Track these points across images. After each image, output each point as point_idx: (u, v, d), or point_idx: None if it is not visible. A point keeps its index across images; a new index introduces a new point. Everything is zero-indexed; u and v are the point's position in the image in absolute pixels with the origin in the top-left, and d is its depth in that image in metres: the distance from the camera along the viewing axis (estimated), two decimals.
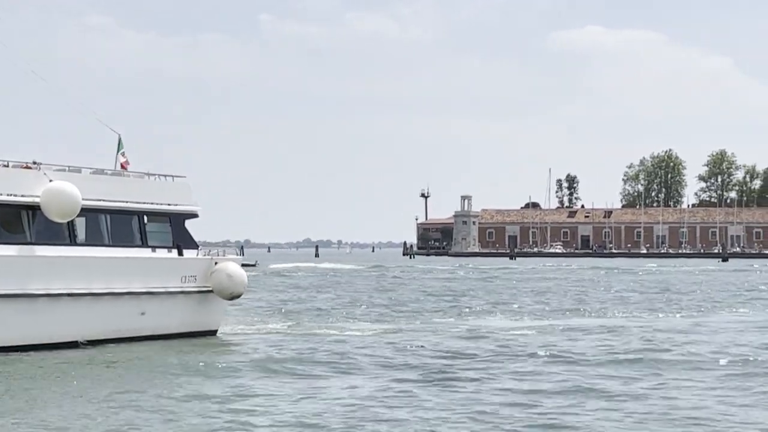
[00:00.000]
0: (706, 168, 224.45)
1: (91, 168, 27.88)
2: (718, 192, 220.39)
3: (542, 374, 22.03)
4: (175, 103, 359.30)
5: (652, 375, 21.96)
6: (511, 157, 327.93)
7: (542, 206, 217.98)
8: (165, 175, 29.44)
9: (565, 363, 23.92)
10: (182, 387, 20.08)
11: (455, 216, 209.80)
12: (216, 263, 29.08)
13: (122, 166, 28.96)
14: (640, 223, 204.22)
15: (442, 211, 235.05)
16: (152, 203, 28.49)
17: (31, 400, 18.38)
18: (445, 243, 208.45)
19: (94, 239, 27.17)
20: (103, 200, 27.25)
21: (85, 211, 26.35)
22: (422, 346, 27.08)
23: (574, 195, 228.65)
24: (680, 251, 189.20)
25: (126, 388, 19.69)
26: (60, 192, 25.74)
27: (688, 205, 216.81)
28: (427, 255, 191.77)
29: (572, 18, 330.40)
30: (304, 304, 45.73)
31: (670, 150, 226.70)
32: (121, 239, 27.69)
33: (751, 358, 24.67)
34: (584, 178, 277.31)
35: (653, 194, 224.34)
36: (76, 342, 25.76)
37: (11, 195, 25.24)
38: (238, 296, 29.65)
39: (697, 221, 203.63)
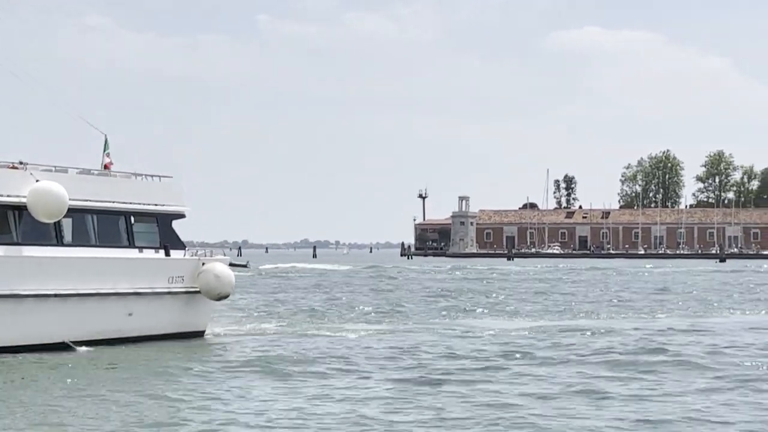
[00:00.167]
0: (703, 169, 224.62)
1: (77, 168, 27.77)
2: (716, 193, 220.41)
3: (535, 375, 21.95)
4: (174, 104, 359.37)
5: (644, 377, 21.85)
6: (509, 157, 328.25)
7: (540, 207, 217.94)
8: (152, 176, 29.33)
9: (560, 364, 23.84)
10: (167, 388, 19.96)
11: (453, 217, 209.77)
12: (203, 264, 28.98)
13: (106, 167, 28.81)
14: (638, 223, 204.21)
15: (439, 212, 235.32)
16: (139, 203, 28.37)
17: (18, 403, 18.22)
18: (442, 244, 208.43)
19: (80, 240, 27.06)
20: (90, 200, 27.13)
21: (71, 212, 26.22)
22: (415, 347, 27.03)
23: (572, 196, 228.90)
24: (678, 252, 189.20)
25: (111, 390, 19.57)
26: (47, 192, 25.62)
27: (686, 206, 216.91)
28: (425, 256, 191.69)
29: (571, 18, 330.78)
30: (294, 304, 45.49)
31: (667, 151, 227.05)
32: (108, 240, 27.57)
33: (743, 362, 24.57)
34: (582, 179, 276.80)
35: (651, 195, 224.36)
36: (64, 343, 25.63)
37: None
38: (226, 297, 29.54)
39: (695, 222, 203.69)
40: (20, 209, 25.43)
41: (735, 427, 16.38)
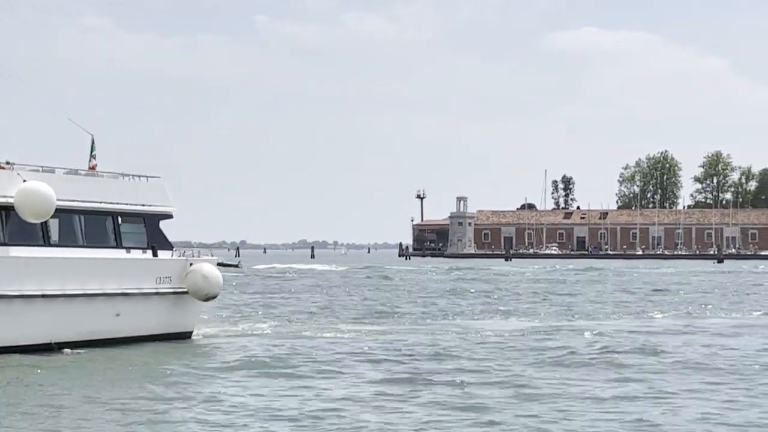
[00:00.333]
0: (701, 169, 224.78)
1: (65, 168, 27.69)
2: (714, 193, 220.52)
3: (530, 376, 21.94)
4: (173, 104, 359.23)
5: (637, 377, 21.85)
6: (508, 158, 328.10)
7: (538, 207, 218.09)
8: (139, 176, 29.25)
9: (555, 365, 23.81)
10: (153, 390, 19.92)
11: (451, 217, 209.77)
12: (191, 264, 28.90)
13: (91, 168, 28.73)
14: (636, 224, 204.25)
15: (437, 213, 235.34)
16: (126, 204, 28.27)
17: (5, 405, 18.15)
18: (440, 244, 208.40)
19: (67, 240, 26.96)
20: (77, 201, 27.03)
21: (58, 212, 26.09)
22: (407, 348, 26.97)
23: (570, 196, 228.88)
24: (676, 252, 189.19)
25: (96, 392, 19.52)
26: (34, 192, 25.52)
27: (684, 207, 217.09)
28: (423, 256, 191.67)
29: (571, 18, 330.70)
30: (284, 305, 45.37)
31: (665, 151, 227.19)
32: (95, 240, 27.47)
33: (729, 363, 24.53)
34: (580, 180, 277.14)
35: (649, 195, 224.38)
36: (51, 344, 25.55)
37: None
38: (214, 297, 29.44)
39: (693, 222, 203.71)
40: (7, 209, 25.32)
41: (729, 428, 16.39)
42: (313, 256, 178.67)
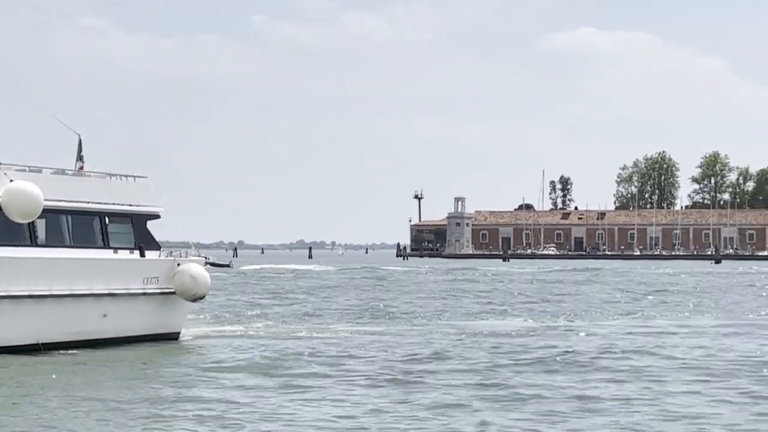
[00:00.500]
0: (699, 170, 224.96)
1: (52, 168, 27.58)
2: (712, 194, 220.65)
3: (524, 377, 21.90)
4: (171, 104, 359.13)
5: (627, 379, 21.79)
6: (506, 158, 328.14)
7: (536, 208, 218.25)
8: (126, 176, 29.15)
9: (547, 366, 23.75)
10: (136, 391, 19.81)
11: (449, 217, 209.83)
12: (178, 264, 28.80)
13: (79, 169, 28.63)
14: (634, 224, 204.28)
15: (435, 213, 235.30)
16: (114, 204, 28.16)
17: None
18: (438, 244, 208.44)
19: (54, 240, 26.84)
20: (64, 201, 26.92)
21: (45, 212, 25.92)
22: (398, 348, 26.90)
23: (568, 197, 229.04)
24: (673, 253, 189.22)
25: (79, 393, 19.43)
26: (21, 192, 25.39)
27: (682, 207, 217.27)
28: (421, 257, 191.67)
29: (569, 19, 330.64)
30: (274, 306, 45.19)
31: (663, 152, 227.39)
32: (82, 240, 27.36)
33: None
34: (578, 180, 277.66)
35: (646, 196, 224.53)
36: (38, 345, 25.44)
37: None
38: (202, 298, 29.33)
39: (691, 223, 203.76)
40: None
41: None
42: (310, 257, 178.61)
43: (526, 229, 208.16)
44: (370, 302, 48.41)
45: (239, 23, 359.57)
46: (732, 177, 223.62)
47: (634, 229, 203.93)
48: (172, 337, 28.89)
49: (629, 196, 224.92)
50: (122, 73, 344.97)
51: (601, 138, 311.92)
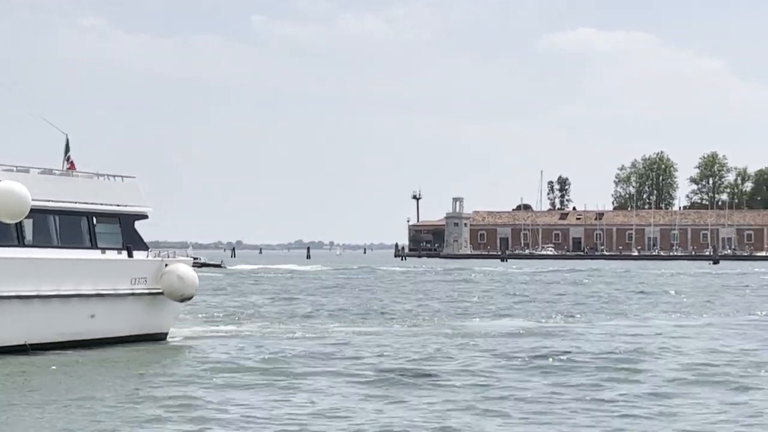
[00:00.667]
0: (697, 170, 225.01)
1: (39, 168, 27.47)
2: (710, 194, 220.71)
3: (516, 378, 21.89)
4: (171, 104, 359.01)
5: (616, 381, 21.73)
6: (503, 158, 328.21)
7: (534, 208, 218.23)
8: (114, 176, 29.07)
9: (539, 367, 23.70)
10: (122, 392, 19.74)
11: (447, 218, 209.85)
12: (166, 265, 28.71)
13: (69, 169, 28.52)
14: (632, 225, 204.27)
15: (434, 213, 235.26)
16: (101, 204, 28.06)
17: None
18: (436, 245, 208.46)
19: (42, 240, 26.74)
20: (52, 201, 26.83)
21: (33, 212, 25.81)
22: (386, 349, 26.81)
23: (566, 197, 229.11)
24: (671, 253, 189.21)
25: (70, 395, 19.36)
26: (9, 192, 25.27)
27: (680, 207, 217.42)
28: (419, 257, 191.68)
29: (569, 19, 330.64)
30: (265, 307, 44.95)
31: (661, 152, 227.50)
32: (69, 240, 27.27)
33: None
34: (576, 180, 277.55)
35: (645, 196, 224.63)
36: (24, 346, 25.33)
37: None
38: (189, 298, 29.24)
39: (689, 223, 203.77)
40: None
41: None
42: (309, 257, 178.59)
43: (524, 229, 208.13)
44: (364, 302, 48.33)
45: (239, 23, 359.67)
46: (730, 177, 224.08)
47: (632, 229, 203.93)
48: (160, 337, 28.80)
49: (627, 196, 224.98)
50: (122, 73, 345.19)
51: (600, 138, 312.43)
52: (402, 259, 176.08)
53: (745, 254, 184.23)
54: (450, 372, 22.66)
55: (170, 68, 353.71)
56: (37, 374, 22.07)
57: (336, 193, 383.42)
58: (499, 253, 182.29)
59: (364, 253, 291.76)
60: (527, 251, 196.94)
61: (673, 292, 60.92)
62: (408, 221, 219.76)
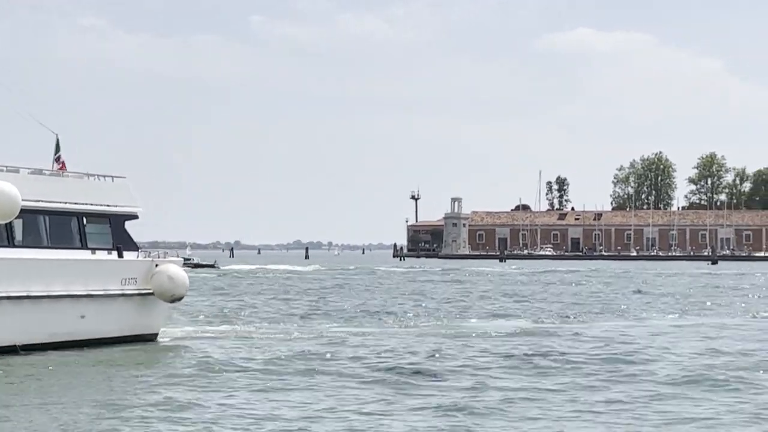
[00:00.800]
0: (696, 171, 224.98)
1: (29, 168, 27.36)
2: (708, 195, 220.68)
3: (504, 379, 21.84)
4: (170, 104, 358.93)
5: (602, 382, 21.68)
6: (502, 159, 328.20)
7: (532, 208, 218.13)
8: (104, 176, 28.98)
9: (532, 368, 23.66)
10: (109, 393, 19.68)
11: (445, 218, 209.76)
12: (157, 265, 28.61)
13: (60, 169, 28.42)
14: (630, 225, 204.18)
15: (433, 213, 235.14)
16: (92, 204, 27.96)
17: None
18: (435, 245, 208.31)
19: (32, 241, 26.65)
20: (42, 201, 26.73)
21: (23, 212, 25.73)
22: (372, 350, 26.73)
23: (564, 197, 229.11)
24: (670, 254, 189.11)
25: (51, 395, 19.28)
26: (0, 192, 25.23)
27: (678, 208, 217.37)
28: (418, 257, 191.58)
29: (569, 19, 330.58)
30: (253, 307, 44.72)
31: (660, 152, 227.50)
32: (60, 241, 27.18)
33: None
34: (574, 181, 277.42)
35: (643, 197, 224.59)
36: (15, 347, 25.22)
37: None
38: (180, 299, 29.16)
39: (687, 224, 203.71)
40: None
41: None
42: (307, 257, 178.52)
43: (523, 229, 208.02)
44: (360, 303, 48.22)
45: (239, 23, 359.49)
46: (729, 178, 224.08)
47: (630, 229, 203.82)
48: (150, 338, 28.70)
49: (626, 196, 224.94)
50: (122, 73, 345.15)
51: (599, 138, 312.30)
52: (400, 260, 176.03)
53: (744, 254, 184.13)
54: (447, 372, 22.60)
55: (170, 68, 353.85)
56: (27, 375, 21.97)
57: (335, 193, 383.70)
58: (498, 253, 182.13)
59: (363, 253, 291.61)
60: (526, 252, 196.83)
61: (670, 292, 60.83)
62: (407, 221, 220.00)
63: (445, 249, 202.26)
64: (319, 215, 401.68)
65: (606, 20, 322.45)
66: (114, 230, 28.39)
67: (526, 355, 25.89)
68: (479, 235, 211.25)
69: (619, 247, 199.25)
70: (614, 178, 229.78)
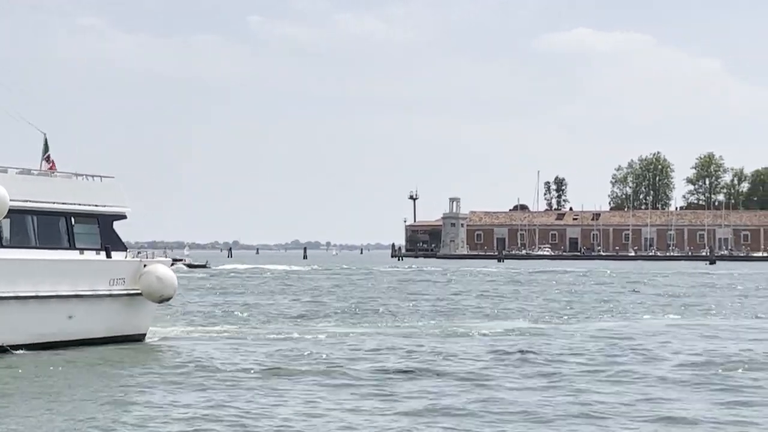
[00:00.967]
0: (694, 171, 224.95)
1: (17, 168, 27.28)
2: (706, 195, 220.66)
3: (498, 378, 21.79)
4: (170, 104, 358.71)
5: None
6: (500, 158, 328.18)
7: (531, 208, 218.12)
8: (93, 176, 28.90)
9: (518, 368, 23.64)
10: (96, 394, 19.62)
11: (444, 218, 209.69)
12: (145, 265, 28.54)
13: (50, 168, 28.34)
14: (628, 225, 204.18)
15: (431, 213, 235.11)
16: (80, 204, 27.89)
17: None
18: (433, 245, 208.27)
19: (20, 241, 26.55)
20: (30, 201, 26.66)
21: (11, 212, 25.63)
22: (360, 349, 26.66)
23: (563, 197, 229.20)
24: (668, 254, 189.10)
25: (39, 396, 19.24)
26: None
27: (676, 208, 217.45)
28: (416, 257, 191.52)
29: (568, 19, 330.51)
30: (244, 307, 44.55)
31: (658, 153, 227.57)
32: (48, 241, 27.09)
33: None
34: (573, 181, 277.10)
35: (641, 197, 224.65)
36: (2, 347, 25.15)
37: None
38: (168, 299, 29.09)
39: (685, 224, 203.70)
40: None
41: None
42: (305, 257, 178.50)
43: (521, 229, 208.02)
44: (356, 303, 48.16)
45: (238, 23, 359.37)
46: (727, 178, 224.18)
47: (628, 229, 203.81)
48: (138, 338, 28.61)
49: (624, 197, 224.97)
50: (122, 73, 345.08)
51: (598, 138, 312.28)
52: (399, 260, 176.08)
53: (742, 255, 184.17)
54: (442, 372, 22.55)
55: (170, 68, 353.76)
56: (14, 375, 21.89)
57: (334, 193, 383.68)
58: (496, 253, 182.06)
59: (361, 253, 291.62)
60: (524, 252, 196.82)
61: (667, 292, 60.78)
62: (405, 221, 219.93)
63: (444, 249, 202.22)
64: (318, 215, 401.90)
65: (605, 20, 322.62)
66: (102, 230, 28.32)
67: (521, 353, 25.92)
68: (477, 235, 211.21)
69: (617, 248, 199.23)
70: (612, 178, 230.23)
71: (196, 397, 19.36)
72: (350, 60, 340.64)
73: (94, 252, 27.98)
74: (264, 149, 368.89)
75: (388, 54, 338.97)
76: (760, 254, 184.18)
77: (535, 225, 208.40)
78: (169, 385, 20.85)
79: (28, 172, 27.64)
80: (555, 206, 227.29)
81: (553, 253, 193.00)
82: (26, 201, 26.53)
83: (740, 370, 23.15)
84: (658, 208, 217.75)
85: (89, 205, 28.13)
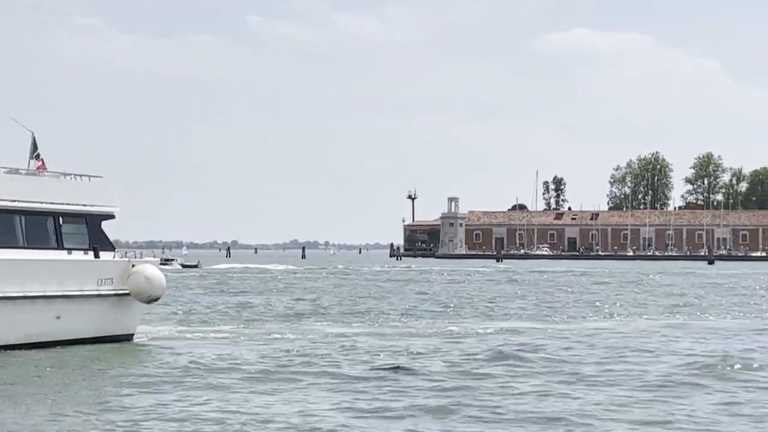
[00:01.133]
0: (692, 171, 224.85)
1: (5, 168, 27.11)
2: (705, 195, 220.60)
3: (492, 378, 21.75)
4: (170, 104, 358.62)
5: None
6: (499, 159, 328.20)
7: (529, 208, 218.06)
8: (81, 175, 28.74)
9: (507, 368, 23.50)
10: (84, 394, 19.56)
11: (442, 218, 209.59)
12: (133, 266, 28.38)
13: (39, 169, 28.18)
14: (627, 225, 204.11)
15: (430, 213, 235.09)
16: (68, 204, 27.74)
17: None
18: (432, 245, 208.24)
19: (7, 241, 26.37)
20: (18, 200, 26.53)
21: None
22: (350, 349, 26.52)
23: (561, 197, 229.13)
24: (666, 254, 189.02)
25: (27, 396, 19.09)
26: None
27: (675, 208, 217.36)
28: (414, 257, 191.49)
29: (566, 19, 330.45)
30: (236, 307, 44.46)
31: (656, 152, 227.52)
32: (35, 241, 26.92)
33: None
34: (571, 181, 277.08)
35: (640, 197, 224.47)
36: None
37: None
38: (157, 299, 28.94)
39: (684, 224, 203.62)
40: None
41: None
42: (304, 257, 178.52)
43: (520, 229, 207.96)
44: (352, 303, 48.03)
45: (238, 23, 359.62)
46: (725, 178, 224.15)
47: (627, 229, 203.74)
48: (126, 339, 28.47)
49: (622, 196, 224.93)
50: (121, 73, 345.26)
51: (597, 138, 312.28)
52: (397, 259, 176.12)
53: (741, 254, 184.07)
54: (436, 372, 22.46)
55: (170, 68, 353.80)
56: (0, 375, 21.75)
57: (333, 193, 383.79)
58: (495, 253, 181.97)
59: (360, 253, 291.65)
60: (522, 251, 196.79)
61: (666, 292, 60.70)
62: (403, 221, 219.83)
63: (442, 249, 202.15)
64: (316, 215, 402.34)
65: (604, 20, 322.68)
66: (90, 230, 28.16)
67: (517, 352, 25.85)
68: (476, 234, 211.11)
69: (615, 247, 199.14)
70: (611, 178, 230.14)
71: (184, 397, 19.23)
72: (350, 60, 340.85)
73: (83, 252, 27.83)
74: (264, 149, 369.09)
75: (388, 54, 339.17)
76: (758, 254, 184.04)
77: (533, 225, 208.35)
78: (157, 385, 20.72)
79: (16, 171, 27.48)
80: (553, 206, 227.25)
81: (551, 253, 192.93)
82: (14, 200, 26.41)
83: (740, 369, 23.06)
84: (656, 208, 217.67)
85: (77, 205, 27.99)
